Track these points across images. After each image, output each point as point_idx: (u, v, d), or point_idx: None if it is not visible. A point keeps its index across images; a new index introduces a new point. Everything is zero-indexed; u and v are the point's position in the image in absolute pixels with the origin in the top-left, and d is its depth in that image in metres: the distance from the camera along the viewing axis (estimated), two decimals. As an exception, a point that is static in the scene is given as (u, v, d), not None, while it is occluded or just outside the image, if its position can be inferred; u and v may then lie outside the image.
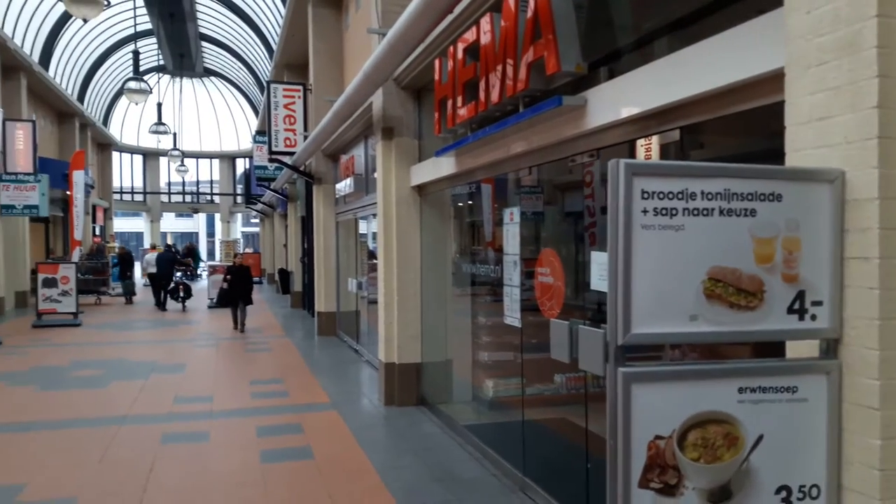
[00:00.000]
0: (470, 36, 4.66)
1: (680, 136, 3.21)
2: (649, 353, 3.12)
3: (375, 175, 9.61)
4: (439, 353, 7.26)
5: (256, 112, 32.10)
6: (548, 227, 5.42)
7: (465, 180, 6.10)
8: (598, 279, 3.26)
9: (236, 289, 13.13)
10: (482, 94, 4.47)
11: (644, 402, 1.72)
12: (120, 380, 8.60)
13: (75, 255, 17.97)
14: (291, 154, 12.69)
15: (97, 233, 27.80)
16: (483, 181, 6.01)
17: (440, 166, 6.17)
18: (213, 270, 18.20)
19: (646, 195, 1.73)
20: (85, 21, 11.06)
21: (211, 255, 26.64)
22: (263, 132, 18.24)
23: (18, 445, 5.89)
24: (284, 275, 21.28)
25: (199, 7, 23.61)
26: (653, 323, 1.74)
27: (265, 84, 21.20)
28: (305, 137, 12.45)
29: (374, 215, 9.58)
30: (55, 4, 19.57)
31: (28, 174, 16.51)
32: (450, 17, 4.99)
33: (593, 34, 3.87)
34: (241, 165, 37.62)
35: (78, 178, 18.44)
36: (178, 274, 19.91)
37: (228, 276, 13.37)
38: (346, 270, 12.15)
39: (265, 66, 24.27)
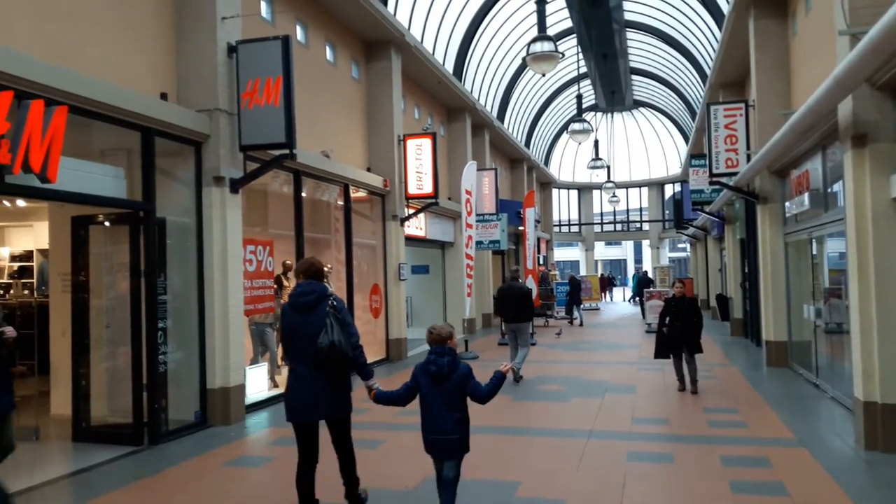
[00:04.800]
0: None
1: None
2: None
3: (835, 189, 8.68)
4: (939, 394, 6.11)
5: (685, 136, 31.87)
6: None
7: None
8: None
9: (679, 331, 9.50)
10: None
11: None
12: (580, 396, 9.34)
13: (528, 283, 20.21)
14: (733, 175, 12.26)
15: (541, 262, 30.85)
16: None
17: (937, 173, 5.27)
18: (650, 296, 18.53)
19: None
20: (543, 75, 12.49)
21: (644, 281, 27.21)
22: (698, 155, 18.06)
23: (509, 447, 6.83)
24: (723, 300, 20.48)
25: (629, 43, 24.64)
26: None
27: (700, 106, 21.00)
28: (748, 157, 11.92)
29: (837, 234, 8.63)
30: (508, 67, 22.62)
31: (492, 214, 19.27)
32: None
33: None
34: (669, 191, 37.67)
35: (529, 214, 20.77)
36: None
37: (667, 317, 9.64)
38: (799, 296, 11.12)
39: (695, 90, 24.02)
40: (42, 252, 10.83)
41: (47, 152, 5.78)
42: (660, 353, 9.68)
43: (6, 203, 9.50)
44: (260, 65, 8.02)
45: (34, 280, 11.28)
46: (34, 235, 11.10)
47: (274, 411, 8.91)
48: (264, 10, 9.89)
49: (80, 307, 7.57)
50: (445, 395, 4.34)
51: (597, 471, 5.97)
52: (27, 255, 11.51)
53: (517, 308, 10.71)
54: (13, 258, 11.62)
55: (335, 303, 4.77)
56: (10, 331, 5.00)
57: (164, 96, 7.71)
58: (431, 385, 4.36)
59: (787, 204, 11.17)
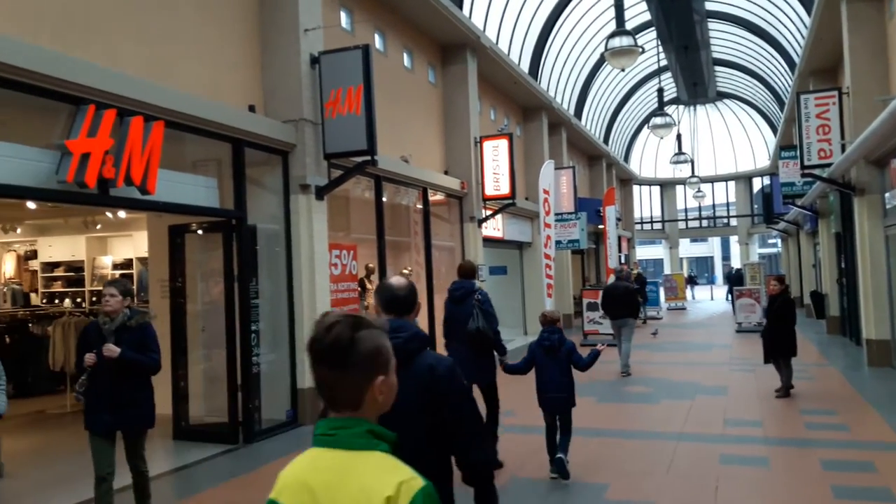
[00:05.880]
0: None
1: None
2: None
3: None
4: None
5: (773, 127, 30.58)
6: None
7: None
8: None
9: (766, 332, 9.14)
10: None
11: None
12: (669, 398, 9.10)
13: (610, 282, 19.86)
14: (826, 166, 11.70)
15: (623, 261, 30.19)
16: None
17: None
18: (740, 294, 17.86)
19: None
20: (623, 70, 12.29)
21: (736, 279, 26.05)
22: (788, 147, 17.30)
23: (595, 449, 6.73)
24: (818, 298, 19.52)
25: (710, 33, 23.87)
26: None
27: (788, 96, 20.12)
28: (843, 147, 11.34)
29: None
30: (585, 64, 22.32)
31: (570, 213, 19.04)
32: None
33: None
34: (758, 184, 36.20)
35: (610, 213, 20.42)
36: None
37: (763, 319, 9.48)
38: (904, 292, 10.49)
39: (783, 79, 23.02)
40: (141, 260, 11.47)
41: (147, 165, 6.13)
42: (765, 357, 9.10)
43: (108, 214, 10.14)
44: (341, 74, 8.23)
45: (135, 287, 11.97)
46: (134, 244, 11.77)
47: (360, 411, 9.10)
48: (344, 20, 10.14)
49: (177, 312, 7.97)
50: (556, 364, 5.75)
51: (688, 474, 5.82)
52: (127, 263, 12.22)
53: (623, 305, 11.56)
54: (115, 266, 12.36)
55: (480, 296, 6.03)
56: (109, 352, 4.54)
57: (252, 108, 8.03)
58: (545, 356, 5.77)
59: (886, 195, 10.57)
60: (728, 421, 7.70)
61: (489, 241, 15.44)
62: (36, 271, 12.42)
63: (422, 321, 11.98)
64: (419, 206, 12.25)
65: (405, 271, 11.93)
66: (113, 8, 6.41)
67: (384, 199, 10.75)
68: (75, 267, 12.19)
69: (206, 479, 6.36)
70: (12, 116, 5.80)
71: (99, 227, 11.55)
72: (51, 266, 12.36)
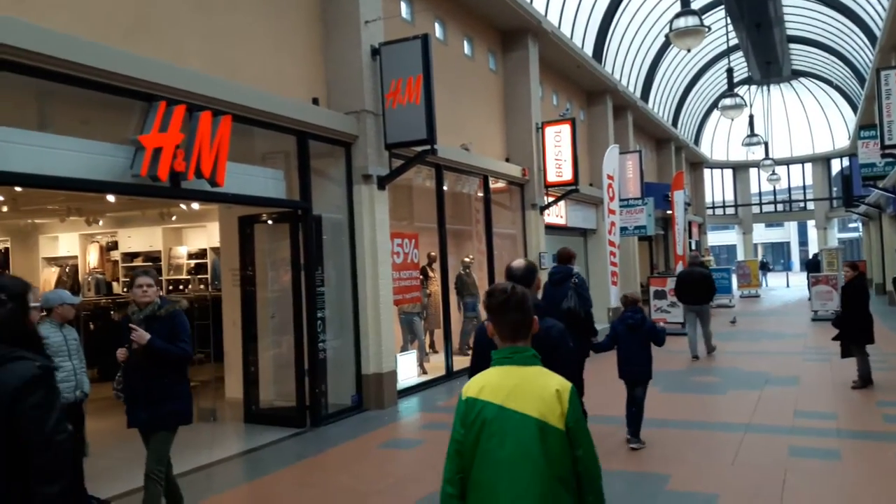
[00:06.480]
0: None
1: None
2: None
3: None
4: None
5: (853, 106, 29.12)
6: None
7: None
8: None
9: (846, 320, 8.66)
10: None
11: None
12: (736, 388, 8.86)
13: (678, 269, 19.38)
14: (911, 145, 11.10)
15: (693, 247, 29.36)
16: None
17: None
18: (815, 281, 17.16)
19: None
20: (688, 51, 11.95)
21: (813, 265, 24.96)
22: (868, 126, 16.47)
23: (657, 439, 6.62)
24: (901, 285, 18.58)
25: (784, 9, 22.86)
26: None
27: (867, 72, 19.11)
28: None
29: None
30: (651, 44, 21.76)
31: (636, 199, 18.62)
32: None
33: None
34: (836, 166, 34.59)
35: (678, 197, 19.91)
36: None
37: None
38: None
39: (863, 55, 21.86)
40: (214, 250, 11.90)
41: (216, 159, 6.37)
42: (843, 351, 8.63)
43: (182, 206, 10.55)
44: (402, 65, 8.31)
45: (208, 275, 12.44)
46: (207, 235, 12.22)
47: (423, 396, 9.25)
48: (404, 10, 10.20)
49: (248, 299, 8.27)
50: (637, 340, 6.42)
51: (754, 465, 5.69)
52: (201, 253, 12.70)
53: (698, 291, 11.67)
54: (190, 256, 12.87)
55: (577, 280, 6.49)
56: (137, 336, 4.40)
57: (315, 101, 8.20)
58: (627, 332, 6.44)
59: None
60: (799, 412, 7.45)
61: (552, 229, 15.30)
62: (117, 261, 13.05)
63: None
64: (480, 194, 12.25)
65: (466, 259, 11.98)
66: (180, 7, 6.66)
67: (445, 188, 10.80)
68: (153, 257, 12.75)
69: (275, 461, 6.60)
70: (91, 114, 6.13)
71: (174, 218, 12.04)
72: (130, 256, 12.96)
